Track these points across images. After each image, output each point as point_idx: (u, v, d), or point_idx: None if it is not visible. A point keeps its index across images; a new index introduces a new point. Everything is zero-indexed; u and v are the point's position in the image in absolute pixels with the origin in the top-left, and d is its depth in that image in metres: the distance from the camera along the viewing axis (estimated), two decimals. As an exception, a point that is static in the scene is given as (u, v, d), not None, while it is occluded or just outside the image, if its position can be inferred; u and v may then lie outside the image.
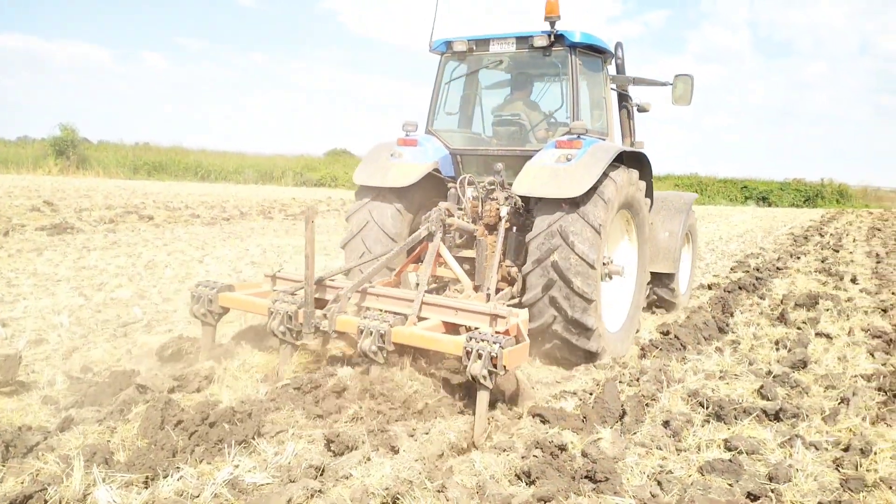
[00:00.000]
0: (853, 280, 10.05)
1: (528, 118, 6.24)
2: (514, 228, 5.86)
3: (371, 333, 4.29)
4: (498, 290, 5.54)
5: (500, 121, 6.39)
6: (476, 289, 5.44)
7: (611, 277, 5.80)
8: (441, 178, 6.19)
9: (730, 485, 3.37)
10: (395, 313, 4.56)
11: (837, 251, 14.56)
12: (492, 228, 5.76)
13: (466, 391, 4.40)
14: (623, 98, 7.29)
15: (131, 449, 3.47)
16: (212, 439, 3.50)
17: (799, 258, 13.21)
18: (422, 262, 5.41)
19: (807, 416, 4.29)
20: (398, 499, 3.08)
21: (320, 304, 4.76)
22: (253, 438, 3.59)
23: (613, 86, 6.98)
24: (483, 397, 3.93)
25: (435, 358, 4.81)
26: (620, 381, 4.91)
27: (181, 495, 3.04)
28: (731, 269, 11.43)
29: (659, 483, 3.33)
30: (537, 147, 5.81)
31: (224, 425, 3.62)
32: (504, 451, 3.65)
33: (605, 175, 5.24)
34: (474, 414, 4.01)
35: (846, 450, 3.80)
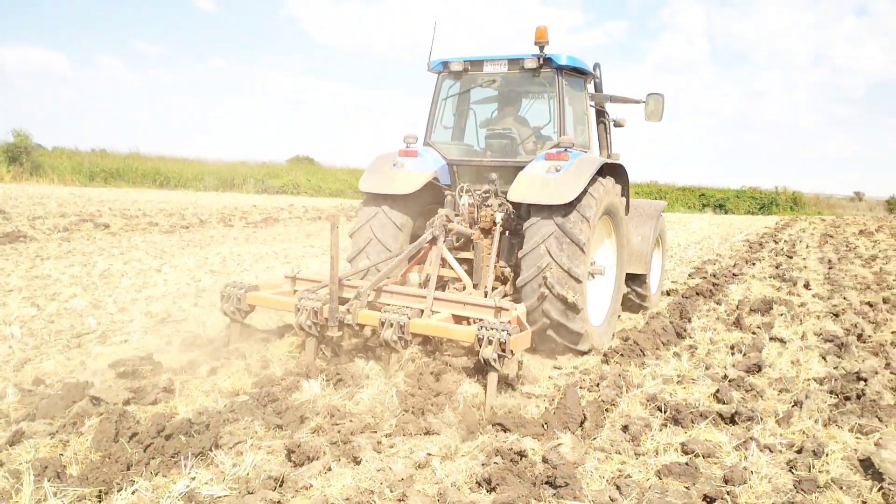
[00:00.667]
0: (806, 285, 10.31)
1: (518, 132, 6.76)
2: (507, 232, 6.42)
3: (392, 325, 4.82)
4: (494, 289, 6.12)
5: (493, 134, 6.86)
6: (475, 286, 6.03)
7: (594, 277, 6.26)
8: (439, 186, 6.68)
9: (686, 488, 3.43)
10: (410, 308, 5.04)
11: (791, 257, 14.93)
12: (486, 232, 6.35)
13: (434, 408, 4.39)
14: (601, 114, 7.87)
15: (84, 462, 3.39)
16: (168, 452, 3.43)
17: (754, 264, 13.51)
18: (424, 263, 6.14)
19: (761, 419, 4.38)
20: (359, 509, 3.06)
21: (339, 301, 5.14)
22: (210, 450, 3.54)
23: (592, 103, 7.50)
24: (493, 378, 4.50)
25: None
26: (581, 387, 4.96)
27: (136, 509, 2.98)
28: (689, 275, 11.62)
29: (618, 487, 3.37)
30: (527, 159, 6.31)
31: (181, 437, 3.56)
32: (465, 455, 3.66)
33: (590, 184, 5.79)
34: (433, 432, 4.05)
35: (799, 452, 3.89)
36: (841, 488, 3.43)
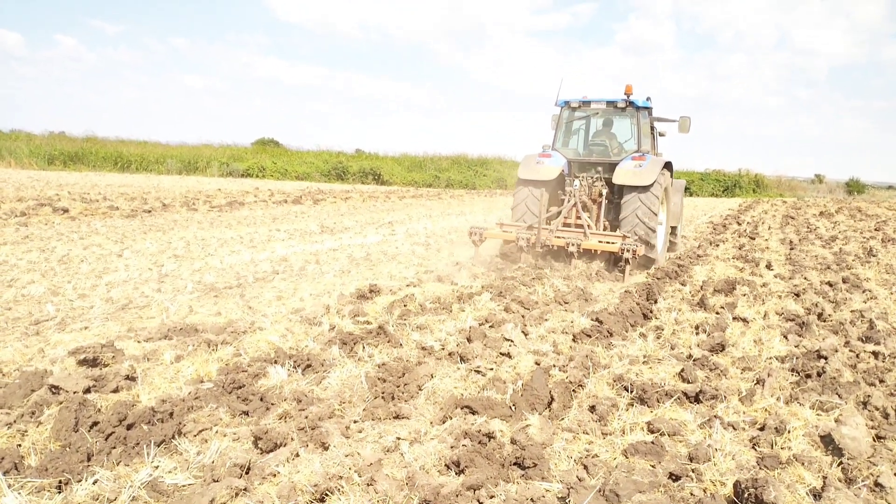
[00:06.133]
0: (768, 266, 10.50)
1: (609, 143, 11.08)
2: (606, 201, 10.69)
3: (572, 244, 9.38)
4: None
5: (594, 144, 11.30)
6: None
7: (659, 226, 10.25)
8: (563, 175, 10.78)
9: (653, 466, 3.47)
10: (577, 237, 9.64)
11: (753, 238, 15.18)
12: (594, 201, 10.67)
13: (405, 394, 4.38)
14: (651, 128, 11.58)
15: (43, 453, 3.30)
16: (130, 441, 3.36)
17: (718, 246, 13.71)
18: (559, 215, 10.35)
19: (725, 397, 4.45)
20: (327, 495, 3.04)
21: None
22: (174, 438, 3.47)
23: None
24: (627, 268, 9.22)
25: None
26: (549, 369, 4.98)
27: (97, 499, 2.92)
28: (655, 256, 11.75)
29: (585, 467, 3.40)
30: (616, 159, 10.62)
31: (143, 426, 3.49)
32: (434, 439, 3.65)
33: (658, 174, 9.88)
34: (402, 416, 4.05)
35: (762, 429, 3.96)
36: (802, 464, 3.50)
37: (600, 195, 10.59)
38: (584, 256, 9.70)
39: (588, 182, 10.63)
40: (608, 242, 9.45)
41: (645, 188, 9.80)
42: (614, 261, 9.63)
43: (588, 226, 10.12)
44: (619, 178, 9.98)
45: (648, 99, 11.13)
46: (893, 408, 4.25)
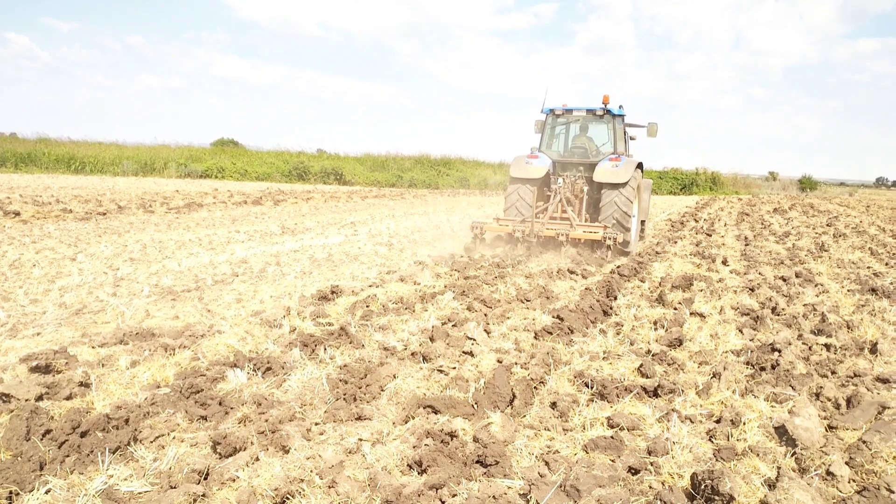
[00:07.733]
0: (724, 262, 10.72)
1: (588, 146, 12.50)
2: (587, 197, 12.13)
3: (562, 235, 10.85)
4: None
5: (575, 146, 12.63)
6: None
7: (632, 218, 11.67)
8: (549, 174, 12.17)
9: (612, 460, 3.51)
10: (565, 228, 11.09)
11: (710, 235, 15.49)
12: (576, 196, 12.08)
13: (367, 395, 4.36)
14: (624, 133, 12.85)
15: (-8, 463, 3.20)
16: (84, 449, 3.28)
17: (676, 243, 13.95)
18: (549, 210, 11.81)
19: (682, 391, 4.53)
20: (288, 499, 3.01)
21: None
22: (129, 445, 3.40)
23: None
24: (609, 252, 10.76)
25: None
26: (510, 366, 5.00)
27: (49, 510, 2.84)
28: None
29: (546, 463, 3.42)
30: (594, 160, 12.03)
31: (97, 433, 3.41)
32: (396, 439, 3.64)
33: (632, 174, 11.27)
34: (364, 417, 4.05)
35: (718, 421, 4.04)
36: (757, 455, 3.58)
37: (582, 191, 12.08)
38: (570, 244, 11.08)
39: (571, 180, 12.07)
40: (592, 232, 10.88)
41: (621, 185, 11.22)
42: (595, 248, 11.29)
43: (573, 218, 11.54)
44: (598, 176, 11.42)
45: (621, 107, 12.56)
46: (844, 398, 4.38)
